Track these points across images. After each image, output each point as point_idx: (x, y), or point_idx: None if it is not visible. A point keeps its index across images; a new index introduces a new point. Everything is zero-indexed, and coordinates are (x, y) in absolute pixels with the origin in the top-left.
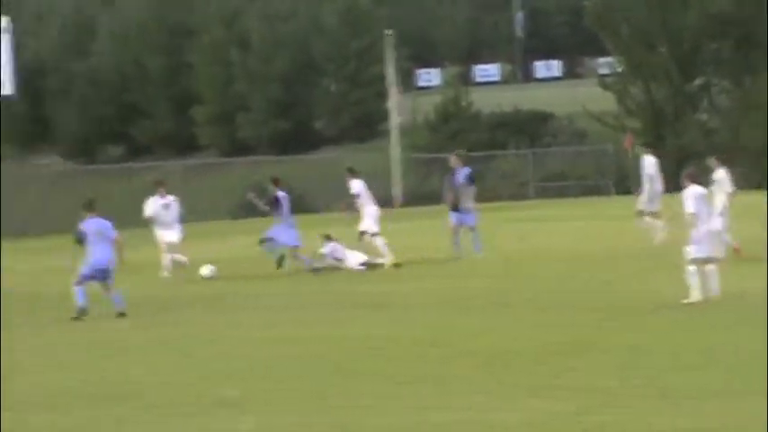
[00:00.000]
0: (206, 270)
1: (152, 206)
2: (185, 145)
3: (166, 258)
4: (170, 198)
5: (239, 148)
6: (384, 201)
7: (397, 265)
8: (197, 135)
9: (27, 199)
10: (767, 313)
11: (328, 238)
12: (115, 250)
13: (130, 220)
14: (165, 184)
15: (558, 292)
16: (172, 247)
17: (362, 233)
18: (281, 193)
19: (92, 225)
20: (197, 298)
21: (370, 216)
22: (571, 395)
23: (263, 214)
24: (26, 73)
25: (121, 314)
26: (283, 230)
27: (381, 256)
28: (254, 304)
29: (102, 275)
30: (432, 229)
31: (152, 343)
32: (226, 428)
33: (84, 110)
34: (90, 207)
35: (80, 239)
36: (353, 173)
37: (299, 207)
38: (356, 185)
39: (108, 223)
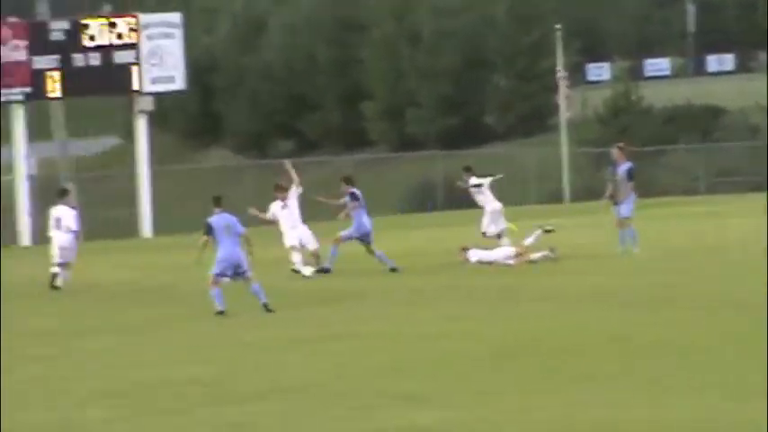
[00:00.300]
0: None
1: (273, 209)
2: (354, 140)
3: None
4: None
5: (408, 144)
6: (554, 195)
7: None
8: (366, 130)
9: (198, 194)
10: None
11: (465, 249)
12: (245, 246)
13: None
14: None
15: (730, 290)
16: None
17: (483, 234)
18: (354, 191)
19: (219, 221)
20: (365, 291)
21: (489, 214)
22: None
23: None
24: (197, 69)
25: (266, 306)
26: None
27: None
28: (420, 298)
29: (233, 270)
30: (600, 224)
31: (323, 338)
32: (404, 423)
33: (254, 105)
34: (218, 203)
35: (208, 233)
36: (469, 170)
37: (468, 202)
38: (474, 181)
39: (235, 219)
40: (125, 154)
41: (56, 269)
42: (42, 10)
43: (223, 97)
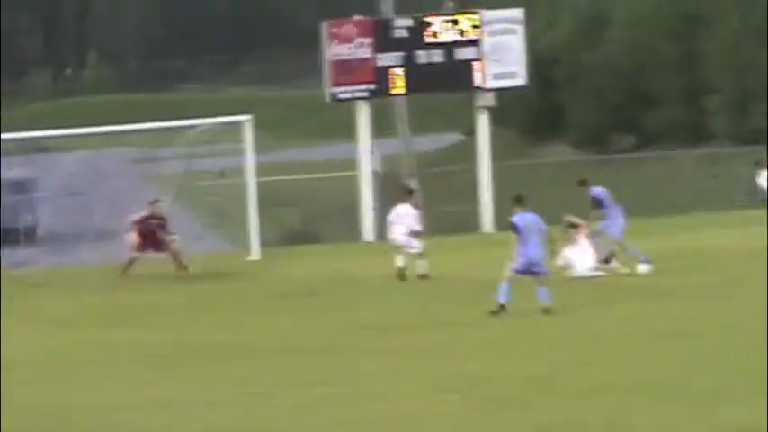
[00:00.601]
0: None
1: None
2: (696, 134)
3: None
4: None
5: (750, 138)
6: None
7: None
8: (708, 124)
9: (539, 189)
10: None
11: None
12: (548, 244)
13: (638, 209)
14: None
15: None
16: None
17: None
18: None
19: (523, 220)
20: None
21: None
22: None
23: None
24: (538, 64)
25: (546, 310)
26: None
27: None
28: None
29: (535, 269)
30: None
31: (657, 335)
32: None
33: (595, 99)
34: (519, 202)
35: (515, 232)
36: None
37: None
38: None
39: (537, 217)
40: (466, 150)
41: (401, 263)
42: (386, 8)
43: (564, 92)
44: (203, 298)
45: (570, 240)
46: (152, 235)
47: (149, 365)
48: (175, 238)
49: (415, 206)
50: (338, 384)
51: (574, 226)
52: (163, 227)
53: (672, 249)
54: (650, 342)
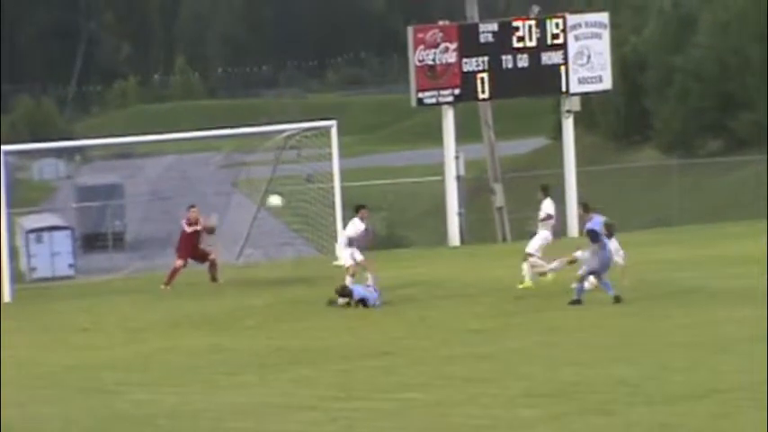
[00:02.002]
0: None
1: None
2: None
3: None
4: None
5: None
6: None
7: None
8: None
9: (625, 194)
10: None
11: None
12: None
13: (727, 213)
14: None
15: None
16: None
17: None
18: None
19: (597, 225)
20: None
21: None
22: None
23: None
24: (624, 68)
25: (617, 298)
26: None
27: None
28: None
29: (605, 270)
30: None
31: (744, 340)
32: None
33: (682, 103)
34: (587, 208)
35: (594, 239)
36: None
37: None
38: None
39: (606, 220)
40: (552, 154)
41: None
42: (472, 13)
43: (651, 96)
44: (291, 303)
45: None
46: (192, 244)
47: (237, 371)
48: (211, 248)
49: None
50: (424, 390)
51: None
52: (201, 234)
53: (759, 254)
54: (741, 346)
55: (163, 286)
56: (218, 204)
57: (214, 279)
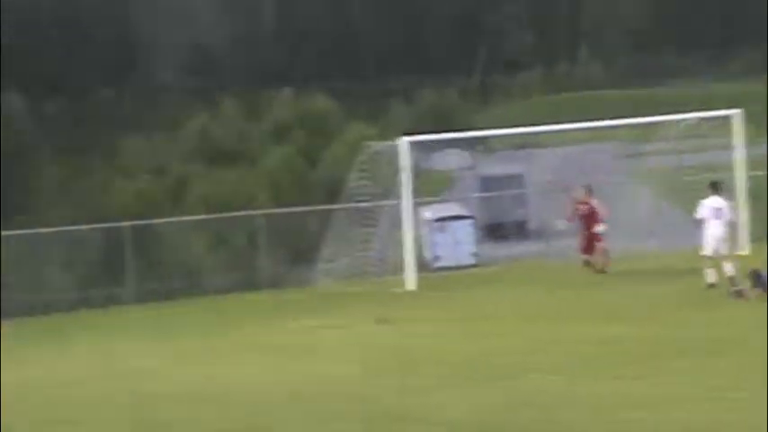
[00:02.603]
0: None
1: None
2: None
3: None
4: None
5: None
6: None
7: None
8: None
9: None
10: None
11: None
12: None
13: None
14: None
15: None
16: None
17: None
18: None
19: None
20: None
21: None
22: None
23: None
24: None
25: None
26: None
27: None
28: None
29: None
30: None
31: None
32: None
33: None
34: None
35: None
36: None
37: None
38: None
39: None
40: None
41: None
42: None
43: None
44: (689, 293)
45: None
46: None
47: (629, 361)
48: (601, 233)
49: (726, 198)
50: None
51: None
52: (589, 219)
53: None
54: None
55: (597, 271)
56: (614, 194)
57: (601, 269)
